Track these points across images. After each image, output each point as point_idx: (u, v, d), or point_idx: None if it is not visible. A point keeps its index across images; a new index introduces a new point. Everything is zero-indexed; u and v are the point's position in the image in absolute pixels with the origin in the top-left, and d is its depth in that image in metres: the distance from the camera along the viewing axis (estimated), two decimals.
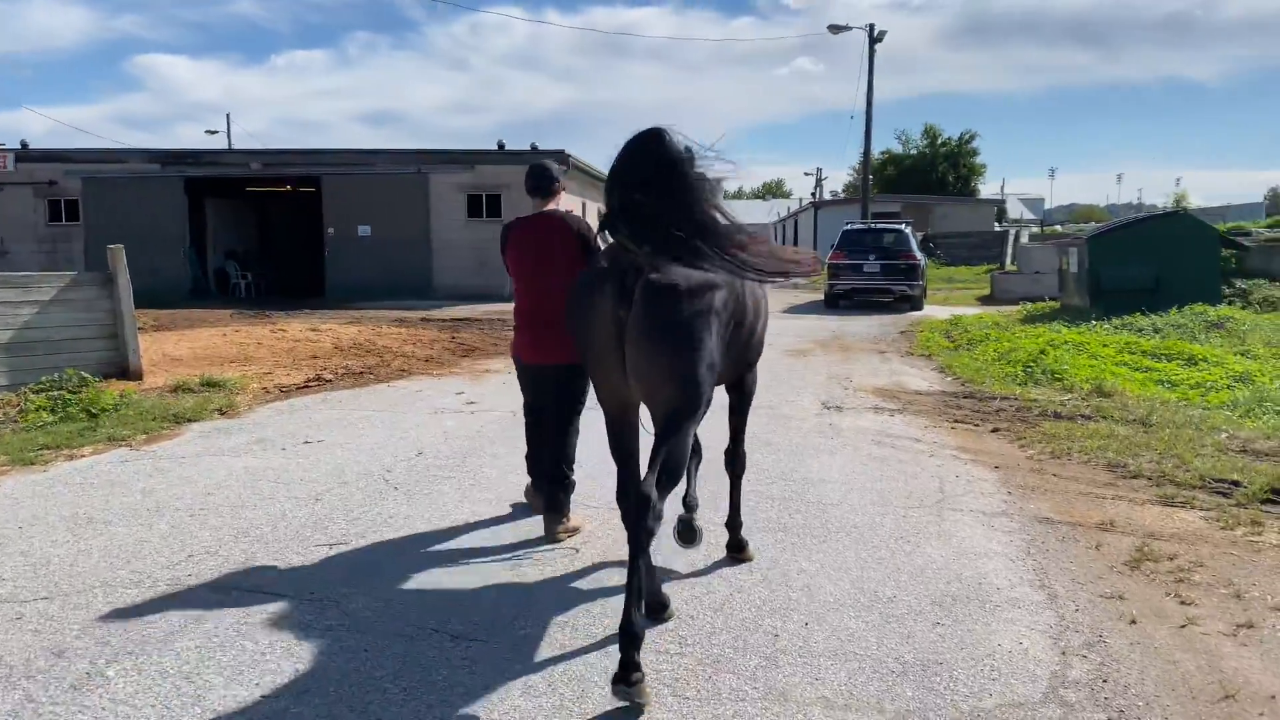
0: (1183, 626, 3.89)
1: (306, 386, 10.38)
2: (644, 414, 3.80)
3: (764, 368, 5.07)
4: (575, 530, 5.15)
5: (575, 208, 25.00)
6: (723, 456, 4.78)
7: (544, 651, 3.70)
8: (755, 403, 4.77)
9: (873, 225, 24.58)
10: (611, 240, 3.65)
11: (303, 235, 29.67)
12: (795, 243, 48.20)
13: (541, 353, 5.10)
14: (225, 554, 4.82)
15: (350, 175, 25.96)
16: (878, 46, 34.33)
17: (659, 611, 3.96)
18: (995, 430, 7.84)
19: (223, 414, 8.68)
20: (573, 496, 5.21)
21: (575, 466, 5.21)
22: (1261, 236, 21.29)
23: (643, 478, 3.51)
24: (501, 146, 26.53)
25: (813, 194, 72.45)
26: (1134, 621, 3.93)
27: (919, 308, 21.37)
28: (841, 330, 16.43)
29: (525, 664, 3.58)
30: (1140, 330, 13.95)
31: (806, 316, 19.92)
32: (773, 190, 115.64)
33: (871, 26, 34.18)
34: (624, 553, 4.76)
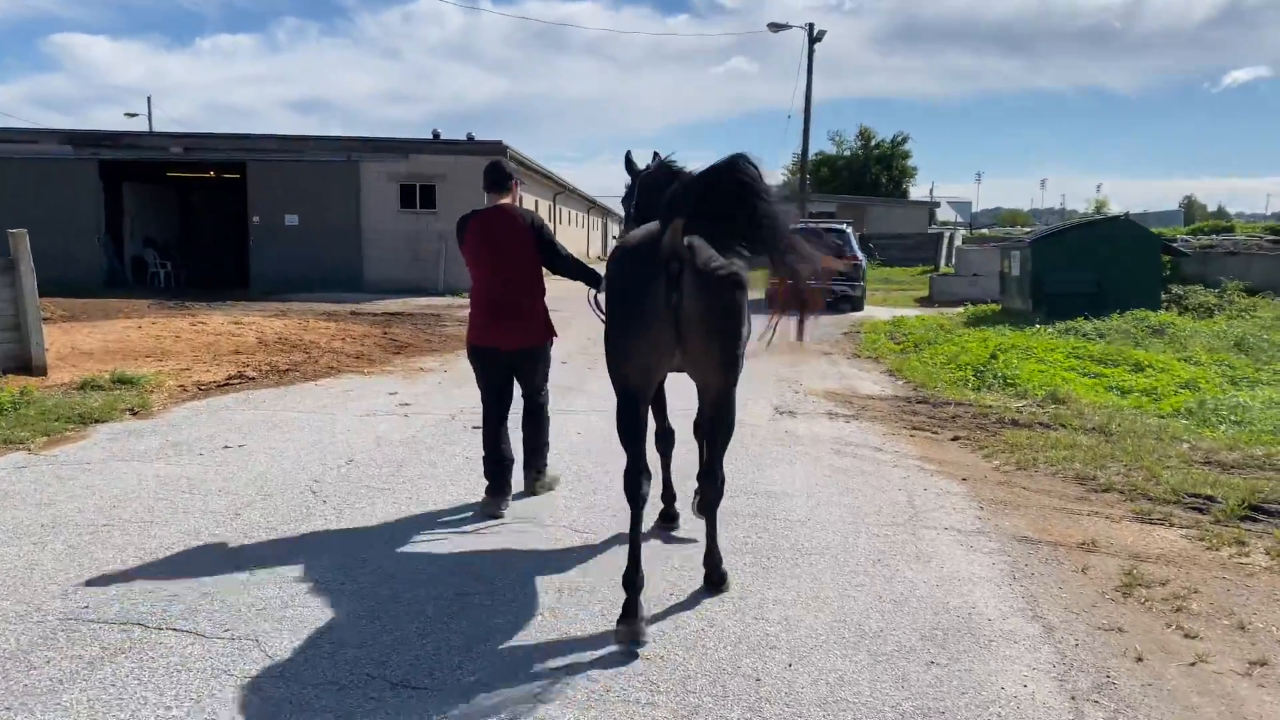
0: (1192, 664, 3.59)
1: (227, 384, 9.72)
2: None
3: None
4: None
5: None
6: (693, 452, 4.71)
7: (496, 701, 3.24)
8: None
9: (814, 225, 24.40)
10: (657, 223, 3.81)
11: (227, 224, 28.54)
12: None
13: (504, 337, 5.33)
14: (129, 580, 4.26)
15: (278, 162, 24.93)
16: (815, 47, 34.33)
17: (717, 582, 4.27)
18: (956, 439, 7.58)
19: (134, 414, 8.01)
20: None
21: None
22: (1195, 243, 21.66)
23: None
24: (437, 136, 25.79)
25: None
26: (1140, 659, 3.62)
27: (860, 308, 21.24)
28: (784, 331, 16.12)
29: (476, 717, 3.12)
30: (1084, 334, 13.92)
31: None
32: None
33: (811, 25, 34.21)
34: (577, 578, 4.41)
